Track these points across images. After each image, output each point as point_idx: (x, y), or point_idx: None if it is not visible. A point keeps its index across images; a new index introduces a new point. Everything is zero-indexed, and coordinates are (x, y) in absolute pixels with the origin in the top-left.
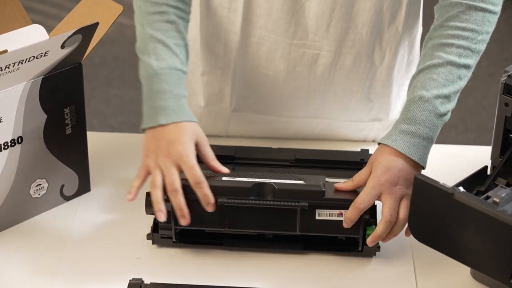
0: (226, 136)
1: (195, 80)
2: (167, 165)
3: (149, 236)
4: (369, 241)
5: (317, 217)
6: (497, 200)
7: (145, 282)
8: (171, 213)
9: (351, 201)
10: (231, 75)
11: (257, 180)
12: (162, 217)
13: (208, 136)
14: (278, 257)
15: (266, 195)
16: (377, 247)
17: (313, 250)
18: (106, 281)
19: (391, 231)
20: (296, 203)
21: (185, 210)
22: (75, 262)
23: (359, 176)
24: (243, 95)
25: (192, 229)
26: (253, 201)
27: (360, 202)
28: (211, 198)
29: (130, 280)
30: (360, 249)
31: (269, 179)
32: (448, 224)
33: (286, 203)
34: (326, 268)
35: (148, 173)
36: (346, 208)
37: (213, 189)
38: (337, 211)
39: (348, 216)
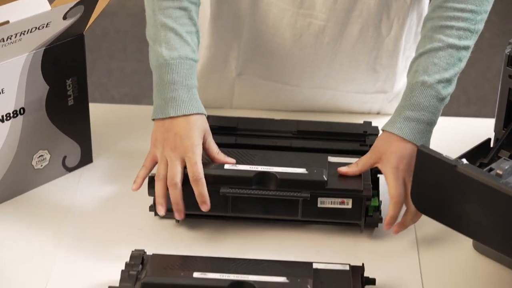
0: (230, 108)
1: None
2: (172, 158)
3: (151, 208)
4: (387, 223)
5: (319, 205)
6: (500, 172)
7: (147, 253)
8: None
9: (353, 190)
10: (238, 39)
11: (259, 168)
12: (161, 211)
13: (212, 107)
14: (281, 228)
15: (268, 185)
16: (379, 219)
17: (315, 222)
18: (108, 252)
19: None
20: (298, 194)
21: (181, 206)
22: (77, 233)
23: (363, 161)
24: (249, 59)
25: (195, 214)
26: (255, 191)
27: (398, 196)
28: (206, 198)
29: (132, 251)
30: (361, 232)
31: (271, 167)
32: (451, 196)
33: (288, 193)
34: (328, 239)
35: (155, 162)
36: (348, 196)
37: (216, 178)
38: (339, 200)
39: (392, 215)
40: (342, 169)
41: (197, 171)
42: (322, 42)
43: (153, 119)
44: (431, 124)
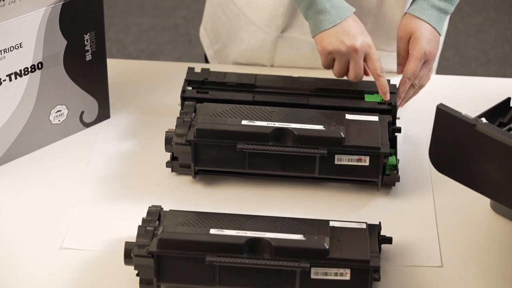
0: (271, 66)
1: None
2: (356, 59)
3: (168, 164)
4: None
5: (336, 162)
6: None
7: (164, 209)
8: (191, 154)
9: (370, 147)
10: None
11: (277, 124)
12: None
13: (252, 65)
14: (298, 186)
15: (286, 141)
16: (396, 177)
17: (332, 179)
18: (125, 208)
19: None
20: (315, 150)
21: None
22: (94, 189)
23: (401, 50)
24: (294, 14)
25: (211, 170)
26: (272, 147)
27: (412, 74)
28: (388, 88)
29: (149, 207)
30: (378, 190)
31: (288, 123)
32: (469, 155)
33: (305, 149)
34: (344, 197)
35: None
36: (366, 154)
37: (232, 133)
38: (357, 157)
39: (403, 90)
40: (399, 69)
41: (381, 66)
42: None
43: (317, 34)
44: (449, 13)
